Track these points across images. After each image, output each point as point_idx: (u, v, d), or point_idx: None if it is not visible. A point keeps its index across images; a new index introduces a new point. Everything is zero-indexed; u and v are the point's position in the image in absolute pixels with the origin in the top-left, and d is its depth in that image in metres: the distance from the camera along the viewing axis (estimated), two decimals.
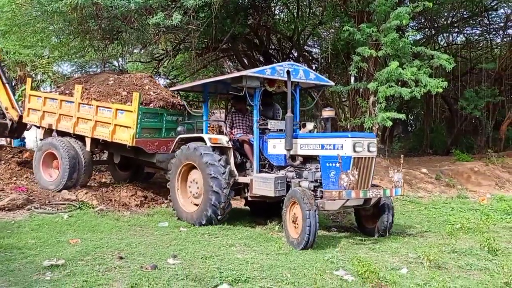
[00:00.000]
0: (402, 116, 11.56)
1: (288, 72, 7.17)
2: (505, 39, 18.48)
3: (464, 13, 17.31)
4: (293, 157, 7.06)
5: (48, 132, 10.40)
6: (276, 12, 17.05)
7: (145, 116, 8.86)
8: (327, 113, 7.31)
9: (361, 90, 12.55)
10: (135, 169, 11.04)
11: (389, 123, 11.26)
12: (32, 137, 17.55)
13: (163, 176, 9.64)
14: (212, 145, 7.64)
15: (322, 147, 6.65)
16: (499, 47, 19.03)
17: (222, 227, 7.53)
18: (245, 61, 17.44)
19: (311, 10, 16.30)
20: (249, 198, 7.71)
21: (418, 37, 16.92)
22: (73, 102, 9.72)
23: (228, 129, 8.30)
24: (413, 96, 11.16)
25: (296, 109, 8.00)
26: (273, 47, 18.22)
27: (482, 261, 5.69)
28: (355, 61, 11.36)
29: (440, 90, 10.80)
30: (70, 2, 9.07)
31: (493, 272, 5.16)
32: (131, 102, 8.85)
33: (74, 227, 7.30)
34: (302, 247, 6.01)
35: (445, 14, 17.33)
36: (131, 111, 8.71)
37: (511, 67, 17.40)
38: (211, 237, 6.91)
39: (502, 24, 18.06)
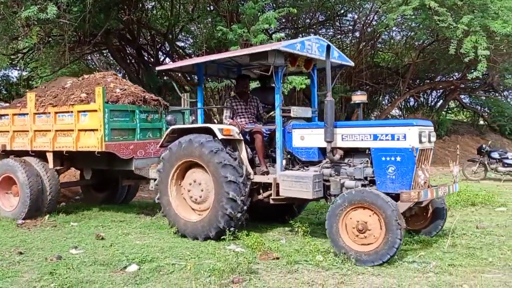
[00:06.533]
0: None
1: (328, 47, 5.94)
2: (353, 41, 21.10)
3: (320, 16, 19.46)
4: (332, 151, 5.87)
5: (4, 155, 8.65)
6: (149, 7, 17.23)
7: (114, 115, 7.51)
8: (359, 97, 6.28)
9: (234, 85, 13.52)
10: (113, 189, 9.59)
11: None
12: None
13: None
14: (224, 137, 6.28)
15: (375, 137, 5.51)
16: (348, 48, 21.64)
17: (115, 219, 7.88)
18: (117, 55, 17.36)
19: (184, 7, 16.85)
20: (272, 202, 6.33)
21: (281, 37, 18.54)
22: (27, 114, 8.31)
23: (228, 119, 6.98)
24: None
25: (314, 93, 7.08)
26: (146, 42, 18.39)
27: None
28: None
29: (304, 86, 12.22)
30: None
31: None
32: (94, 102, 7.55)
33: None
34: (384, 261, 4.97)
35: (304, 16, 19.25)
36: (96, 110, 7.41)
37: (359, 66, 19.96)
38: (105, 229, 7.22)
39: (351, 27, 20.68)
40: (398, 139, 5.34)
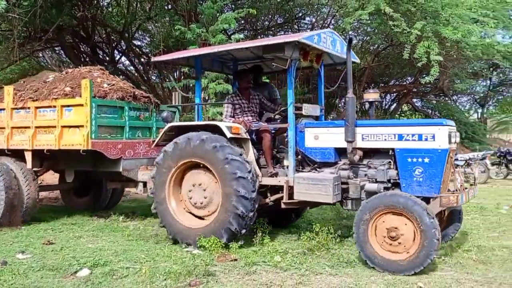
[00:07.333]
0: None
1: (350, 41, 5.55)
2: None
3: (279, 19, 19.61)
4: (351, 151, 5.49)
5: None
6: (105, 4, 16.82)
7: (101, 110, 6.92)
8: (371, 95, 6.02)
9: (191, 85, 13.36)
10: (96, 193, 8.94)
11: (220, 117, 12.32)
12: None
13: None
14: (233, 135, 5.79)
15: (400, 137, 5.19)
16: None
17: (66, 222, 7.57)
18: (71, 53, 16.84)
19: (140, 5, 16.54)
20: (283, 206, 5.88)
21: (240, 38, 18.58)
22: (3, 109, 7.59)
23: (229, 117, 6.44)
24: None
25: (321, 90, 6.73)
26: (101, 40, 17.92)
27: (304, 231, 6.99)
28: None
29: None
30: None
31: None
32: (80, 96, 6.92)
33: None
34: (421, 269, 4.66)
35: (263, 18, 19.34)
36: (82, 105, 6.80)
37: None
38: (55, 232, 6.92)
39: (308, 30, 20.94)
40: (426, 140, 5.03)
